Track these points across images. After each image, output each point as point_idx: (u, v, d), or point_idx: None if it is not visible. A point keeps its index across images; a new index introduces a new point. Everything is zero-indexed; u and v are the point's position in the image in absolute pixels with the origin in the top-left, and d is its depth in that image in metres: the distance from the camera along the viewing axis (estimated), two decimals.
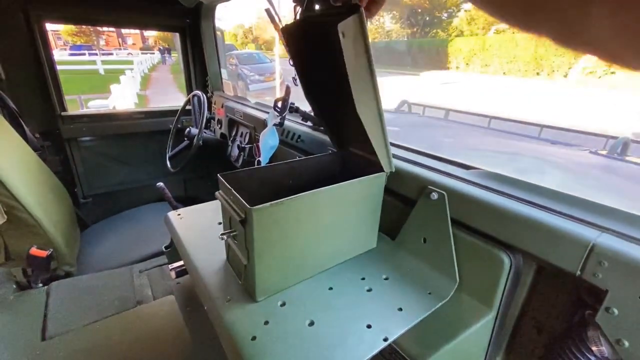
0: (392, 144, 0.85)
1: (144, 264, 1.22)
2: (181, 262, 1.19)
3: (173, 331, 0.88)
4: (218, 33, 1.89)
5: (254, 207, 0.54)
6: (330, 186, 0.62)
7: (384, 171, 0.69)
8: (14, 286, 1.13)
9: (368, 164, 0.73)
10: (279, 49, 10.07)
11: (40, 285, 1.13)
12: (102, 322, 0.94)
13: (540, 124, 2.31)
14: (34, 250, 1.07)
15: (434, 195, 0.67)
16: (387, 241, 0.80)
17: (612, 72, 10.61)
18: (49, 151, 1.63)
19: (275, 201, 0.56)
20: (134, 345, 0.85)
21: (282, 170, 0.76)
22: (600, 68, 10.85)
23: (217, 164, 1.91)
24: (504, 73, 13.63)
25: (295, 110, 1.04)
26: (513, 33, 14.85)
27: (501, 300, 0.62)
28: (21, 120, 1.43)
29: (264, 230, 0.57)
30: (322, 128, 1.06)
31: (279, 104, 1.00)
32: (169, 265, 1.21)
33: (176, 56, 21.58)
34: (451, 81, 12.92)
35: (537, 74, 12.71)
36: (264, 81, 10.61)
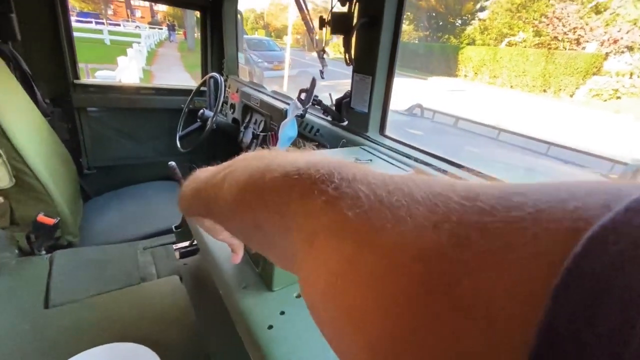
0: (416, 149, 0.85)
1: (149, 241, 1.22)
2: (186, 243, 1.19)
3: (178, 311, 0.89)
4: (239, 16, 1.86)
5: None
6: None
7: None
8: (17, 251, 1.12)
9: None
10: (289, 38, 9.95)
11: (44, 252, 1.12)
12: (106, 295, 0.94)
13: (548, 141, 2.32)
14: (41, 217, 1.06)
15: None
16: None
17: (618, 97, 10.69)
18: (58, 118, 1.60)
19: None
20: (138, 322, 0.86)
21: None
22: (606, 92, 10.92)
23: (226, 149, 1.89)
24: (512, 86, 13.65)
25: (317, 103, 1.04)
26: (525, 47, 14.85)
27: None
28: (33, 84, 1.40)
29: None
30: (342, 123, 1.06)
31: (303, 95, 1.00)
32: (174, 245, 1.21)
33: (180, 35, 21.20)
34: (459, 89, 12.91)
35: (544, 90, 12.75)
36: (271, 69, 10.51)
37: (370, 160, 0.72)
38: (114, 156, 1.83)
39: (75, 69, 1.61)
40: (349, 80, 1.02)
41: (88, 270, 1.04)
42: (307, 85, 1.07)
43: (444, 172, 0.75)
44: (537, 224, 0.10)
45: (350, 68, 0.99)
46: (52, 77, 1.54)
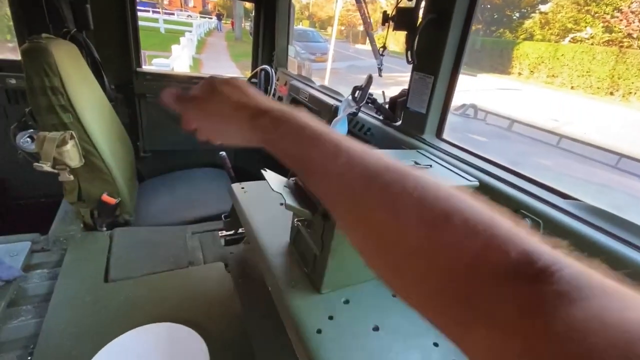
0: (481, 157, 0.79)
1: (196, 226, 1.27)
2: (232, 232, 1.23)
3: (224, 299, 0.92)
4: (291, 9, 1.85)
5: None
6: None
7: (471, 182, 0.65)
8: (81, 225, 1.23)
9: None
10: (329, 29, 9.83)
11: (104, 229, 1.21)
12: (158, 275, 1.00)
13: (618, 152, 2.08)
14: (105, 197, 1.14)
15: (527, 222, 0.61)
16: None
17: None
18: (121, 104, 1.72)
19: None
20: (187, 304, 0.90)
21: None
22: None
23: None
24: (572, 87, 12.49)
25: (372, 102, 1.00)
26: (592, 44, 13.47)
27: None
28: (102, 71, 1.51)
29: None
30: (395, 124, 1.02)
31: (357, 93, 0.97)
32: (219, 232, 1.26)
33: (227, 24, 21.83)
34: (511, 88, 12.06)
35: (611, 93, 11.52)
36: (314, 60, 10.50)
37: (430, 165, 0.68)
38: (167, 141, 1.92)
39: (138, 58, 1.70)
40: (391, 74, 0.97)
41: (143, 250, 1.11)
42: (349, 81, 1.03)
43: (510, 184, 0.69)
44: None
45: (391, 60, 0.94)
46: (117, 64, 1.64)
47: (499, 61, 15.13)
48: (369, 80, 0.93)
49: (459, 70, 0.85)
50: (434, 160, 0.72)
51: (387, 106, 1.04)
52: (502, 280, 0.18)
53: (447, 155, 0.82)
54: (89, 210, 1.22)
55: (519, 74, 14.37)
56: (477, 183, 0.65)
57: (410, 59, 0.86)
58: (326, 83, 1.56)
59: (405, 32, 0.85)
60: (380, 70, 0.99)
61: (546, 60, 13.32)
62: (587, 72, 11.98)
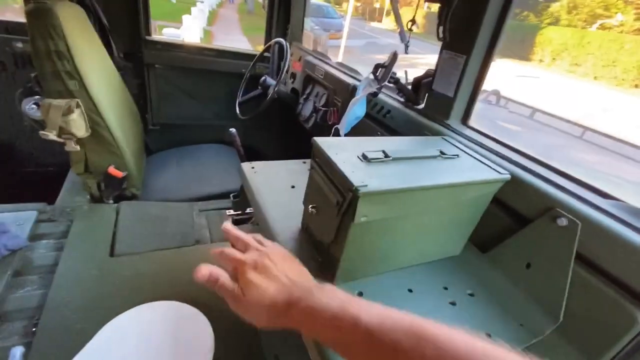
0: (512, 148, 0.73)
1: (204, 203, 1.25)
2: (239, 212, 1.20)
3: None
4: None
5: (363, 189, 0.48)
6: (449, 182, 0.54)
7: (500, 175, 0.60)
8: (88, 197, 1.21)
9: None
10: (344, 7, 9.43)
11: (111, 201, 1.19)
12: (164, 252, 0.98)
13: None
14: (112, 169, 1.11)
15: (563, 221, 0.56)
16: (475, 252, 0.72)
17: None
18: (129, 73, 1.66)
19: (389, 187, 0.49)
20: (193, 282, 0.88)
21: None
22: None
23: (281, 119, 1.86)
24: (595, 77, 11.95)
25: (395, 81, 0.93)
26: (621, 32, 12.77)
27: None
28: (110, 38, 1.44)
29: (362, 215, 0.52)
30: (417, 107, 0.95)
31: (379, 72, 0.90)
32: (227, 212, 1.23)
33: None
34: (531, 75, 11.59)
35: (636, 85, 11.01)
36: (327, 37, 10.17)
37: (457, 155, 0.63)
38: (176, 114, 1.88)
39: (147, 25, 1.63)
40: (404, 56, 0.89)
41: (149, 225, 1.09)
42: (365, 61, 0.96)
43: (545, 179, 0.64)
44: None
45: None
46: (126, 32, 1.57)
47: (520, 46, 14.47)
48: (394, 57, 0.86)
49: (495, 50, 0.77)
50: (460, 149, 0.67)
51: (409, 87, 0.97)
52: None
53: (474, 143, 0.76)
54: (96, 182, 1.19)
55: (540, 60, 13.77)
56: (508, 176, 0.60)
57: (441, 36, 0.78)
58: (339, 59, 1.48)
59: (439, 5, 0.77)
60: (407, 47, 0.91)
61: (570, 47, 12.70)
62: (613, 62, 11.42)
